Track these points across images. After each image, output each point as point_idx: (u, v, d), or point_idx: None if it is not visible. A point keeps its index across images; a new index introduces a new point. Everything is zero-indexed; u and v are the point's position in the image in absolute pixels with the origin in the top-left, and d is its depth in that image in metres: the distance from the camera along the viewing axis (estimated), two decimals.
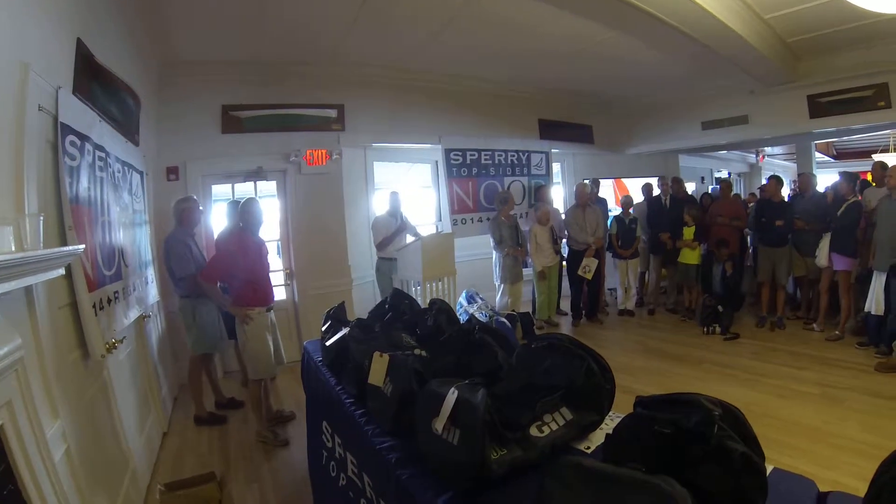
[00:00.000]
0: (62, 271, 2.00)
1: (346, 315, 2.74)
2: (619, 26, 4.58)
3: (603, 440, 1.43)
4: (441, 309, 2.29)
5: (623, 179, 8.80)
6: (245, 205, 3.78)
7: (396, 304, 2.61)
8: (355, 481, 2.01)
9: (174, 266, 3.99)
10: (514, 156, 7.27)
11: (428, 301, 2.47)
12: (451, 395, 1.24)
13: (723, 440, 0.96)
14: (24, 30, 2.02)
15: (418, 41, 5.14)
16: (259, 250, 3.80)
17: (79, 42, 2.66)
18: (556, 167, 8.24)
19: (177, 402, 4.55)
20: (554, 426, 1.34)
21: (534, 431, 1.31)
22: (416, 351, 1.95)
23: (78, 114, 2.56)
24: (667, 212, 6.93)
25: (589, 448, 1.41)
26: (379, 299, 6.05)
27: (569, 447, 1.38)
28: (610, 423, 1.51)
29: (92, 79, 2.87)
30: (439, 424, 1.24)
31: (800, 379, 4.39)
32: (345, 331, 2.25)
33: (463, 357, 1.80)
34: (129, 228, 3.53)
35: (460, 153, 6.74)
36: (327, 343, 2.29)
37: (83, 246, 2.22)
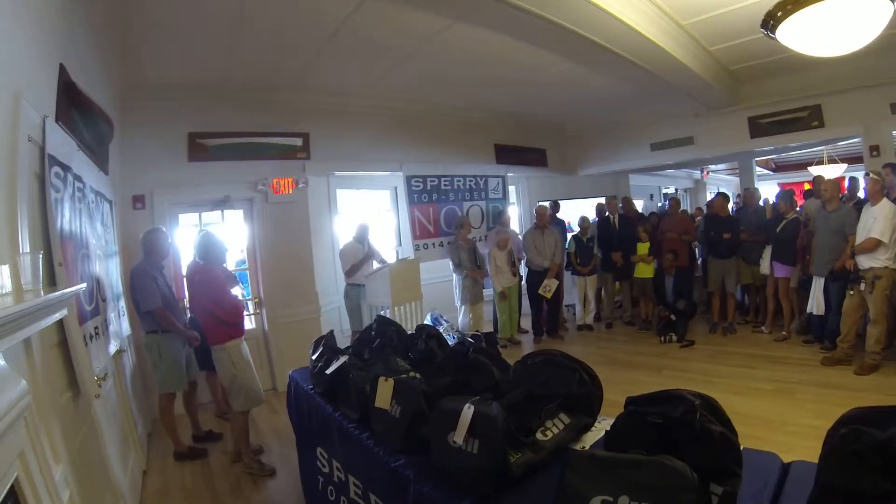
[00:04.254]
0: (66, 312, 1.98)
1: (337, 343, 2.83)
2: (575, 57, 4.93)
3: (594, 440, 1.61)
4: (431, 334, 2.44)
5: (576, 201, 9.04)
6: (207, 239, 3.70)
7: (383, 331, 2.73)
8: (359, 503, 2.11)
9: (139, 299, 3.90)
10: (472, 181, 7.46)
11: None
12: (468, 410, 1.38)
13: (704, 424, 1.17)
14: (14, 55, 1.90)
15: (382, 71, 5.29)
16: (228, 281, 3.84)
17: (61, 68, 2.56)
18: (511, 189, 8.50)
19: (151, 437, 4.45)
20: (555, 430, 1.52)
21: (539, 436, 1.47)
22: (411, 374, 2.08)
23: (61, 143, 2.45)
24: (616, 231, 7.22)
25: (584, 447, 1.58)
26: (346, 325, 6.21)
27: (567, 448, 1.54)
28: (598, 425, 1.69)
29: (72, 106, 2.77)
30: (459, 437, 1.38)
31: (753, 377, 4.71)
32: (344, 359, 2.36)
33: (460, 377, 1.95)
34: (103, 260, 3.43)
35: (421, 180, 6.90)
36: (328, 371, 2.38)
37: (85, 285, 2.20)
